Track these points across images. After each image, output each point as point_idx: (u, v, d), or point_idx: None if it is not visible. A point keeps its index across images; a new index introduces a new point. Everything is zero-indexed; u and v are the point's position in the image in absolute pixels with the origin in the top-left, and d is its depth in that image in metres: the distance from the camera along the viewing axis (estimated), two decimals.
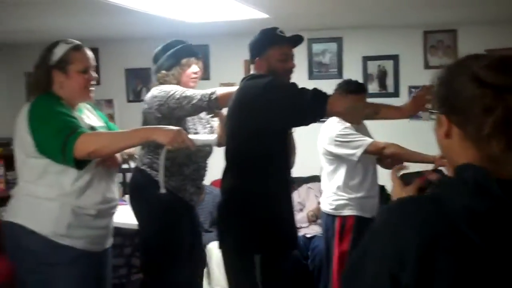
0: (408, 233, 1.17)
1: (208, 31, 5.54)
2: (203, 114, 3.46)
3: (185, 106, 3.12)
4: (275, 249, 2.83)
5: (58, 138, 2.38)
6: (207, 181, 5.13)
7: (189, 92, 3.17)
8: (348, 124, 3.82)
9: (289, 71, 2.90)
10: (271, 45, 2.84)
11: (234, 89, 2.98)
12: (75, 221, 2.51)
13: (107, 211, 2.68)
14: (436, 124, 1.33)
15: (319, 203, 4.49)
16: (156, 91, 3.24)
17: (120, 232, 4.40)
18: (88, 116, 2.72)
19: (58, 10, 4.30)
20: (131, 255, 4.70)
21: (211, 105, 3.13)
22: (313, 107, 2.66)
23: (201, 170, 3.45)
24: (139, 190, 3.39)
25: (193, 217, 3.54)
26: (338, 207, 3.87)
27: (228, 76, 6.04)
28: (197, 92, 3.17)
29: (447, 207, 1.18)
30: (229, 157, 2.91)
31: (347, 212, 3.85)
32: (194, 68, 3.38)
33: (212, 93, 3.11)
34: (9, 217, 2.57)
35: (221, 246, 2.93)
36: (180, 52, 3.34)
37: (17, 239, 2.53)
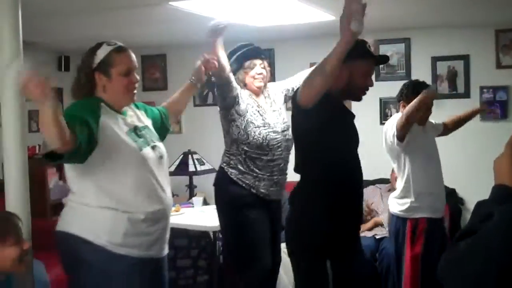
0: None
1: (273, 35, 5.55)
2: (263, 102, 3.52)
3: (216, 93, 3.40)
4: (343, 252, 2.80)
5: None
6: None
7: None
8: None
9: (367, 88, 2.80)
10: (360, 57, 2.69)
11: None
12: (130, 229, 2.44)
13: (162, 214, 2.57)
14: None
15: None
16: None
17: (187, 234, 4.46)
18: (132, 117, 2.64)
19: (127, 17, 4.40)
20: (197, 257, 4.75)
21: (215, 77, 3.31)
22: None
23: (276, 162, 3.43)
24: (218, 189, 3.54)
25: (272, 213, 3.52)
26: (408, 210, 3.78)
27: None
28: None
29: None
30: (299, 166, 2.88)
31: (418, 214, 3.76)
32: (258, 70, 3.46)
33: None
34: (63, 227, 2.52)
35: (291, 251, 2.93)
36: (243, 55, 3.46)
37: (72, 250, 2.48)
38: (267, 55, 3.52)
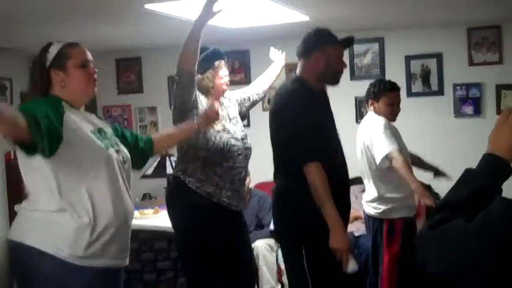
0: None
1: (248, 36, 5.57)
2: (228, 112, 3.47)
3: (175, 93, 3.21)
4: (323, 240, 2.84)
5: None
6: (251, 183, 5.19)
7: None
8: (384, 121, 3.79)
9: (342, 71, 2.99)
10: (330, 43, 2.93)
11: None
12: (93, 239, 2.29)
13: (125, 221, 2.43)
14: None
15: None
16: None
17: (166, 236, 4.45)
18: (94, 119, 2.51)
19: (102, 21, 4.39)
20: (177, 258, 4.74)
21: (179, 74, 3.14)
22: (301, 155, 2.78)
23: (237, 170, 3.33)
24: (174, 199, 3.38)
25: (237, 225, 3.44)
26: (384, 212, 3.84)
27: None
28: None
29: None
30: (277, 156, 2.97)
31: (394, 215, 3.81)
32: (224, 71, 3.41)
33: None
34: (17, 237, 2.33)
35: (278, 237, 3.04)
36: (212, 55, 3.38)
37: (26, 262, 2.31)
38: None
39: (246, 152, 3.40)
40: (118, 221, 2.37)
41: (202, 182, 3.24)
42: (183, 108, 3.20)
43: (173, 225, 3.41)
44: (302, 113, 2.81)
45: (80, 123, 2.36)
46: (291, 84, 2.99)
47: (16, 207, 2.42)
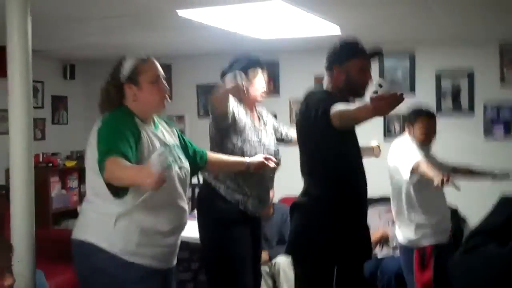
0: None
1: (278, 47, 5.57)
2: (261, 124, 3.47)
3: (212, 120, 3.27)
4: (351, 260, 2.82)
5: (101, 160, 2.30)
6: (275, 198, 5.16)
7: None
8: (415, 143, 3.76)
9: (367, 83, 2.96)
10: (353, 56, 2.90)
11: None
12: (144, 239, 2.48)
13: (178, 229, 2.62)
14: None
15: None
16: None
17: (188, 246, 4.44)
18: (163, 132, 2.68)
19: (134, 26, 4.42)
20: (198, 270, 4.73)
21: (212, 113, 3.24)
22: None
23: (265, 182, 3.39)
24: (204, 203, 3.43)
25: (256, 230, 3.48)
26: (415, 241, 3.79)
27: (298, 92, 6.00)
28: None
29: None
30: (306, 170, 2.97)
31: (425, 242, 3.77)
32: (261, 79, 3.37)
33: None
34: (78, 235, 2.54)
35: (295, 257, 3.00)
36: (246, 63, 3.34)
37: (86, 258, 2.51)
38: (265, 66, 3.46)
39: (276, 167, 3.40)
40: (171, 229, 2.55)
41: (232, 190, 3.29)
42: (219, 126, 3.25)
43: (200, 226, 3.44)
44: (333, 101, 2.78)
45: (151, 143, 2.51)
46: (318, 93, 2.99)
47: (78, 208, 2.59)
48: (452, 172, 3.78)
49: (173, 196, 2.56)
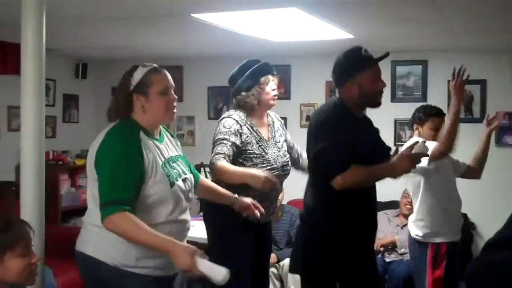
0: None
1: (290, 50, 5.57)
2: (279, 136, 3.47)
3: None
4: (354, 276, 2.80)
5: (104, 193, 2.34)
6: (284, 200, 5.16)
7: (220, 138, 3.24)
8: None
9: (381, 91, 2.90)
10: (362, 69, 2.82)
11: (234, 170, 3.10)
12: (144, 253, 2.42)
13: (179, 236, 2.52)
14: None
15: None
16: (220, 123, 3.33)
17: (196, 246, 4.43)
18: (167, 145, 2.63)
19: (148, 28, 4.43)
20: None
21: (211, 169, 3.22)
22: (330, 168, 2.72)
23: (272, 193, 3.33)
24: (210, 209, 3.41)
25: (261, 236, 3.44)
26: (429, 235, 3.76)
27: (309, 96, 6.04)
28: (222, 142, 3.21)
29: None
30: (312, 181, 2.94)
31: (439, 239, 3.75)
32: (272, 86, 3.36)
33: (213, 164, 3.16)
34: (80, 247, 2.54)
35: (300, 272, 2.97)
36: (257, 71, 3.33)
37: (88, 269, 2.52)
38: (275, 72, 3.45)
39: (282, 179, 3.40)
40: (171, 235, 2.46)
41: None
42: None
43: (207, 229, 3.46)
44: (340, 127, 2.77)
45: (153, 158, 2.46)
46: (332, 102, 2.96)
47: (82, 218, 2.59)
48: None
49: (174, 211, 2.51)
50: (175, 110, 2.59)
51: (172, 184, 2.48)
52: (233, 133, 3.23)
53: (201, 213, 4.92)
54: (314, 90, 5.95)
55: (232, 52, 5.42)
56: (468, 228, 5.27)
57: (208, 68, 6.41)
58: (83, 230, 2.57)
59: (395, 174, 2.81)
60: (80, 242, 2.55)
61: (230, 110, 3.41)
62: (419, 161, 2.81)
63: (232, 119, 3.28)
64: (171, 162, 2.55)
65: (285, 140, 3.56)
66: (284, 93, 6.05)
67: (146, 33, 4.63)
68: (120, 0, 3.48)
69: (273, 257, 4.92)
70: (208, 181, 3.07)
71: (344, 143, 2.71)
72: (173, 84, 2.59)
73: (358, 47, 2.88)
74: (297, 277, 4.81)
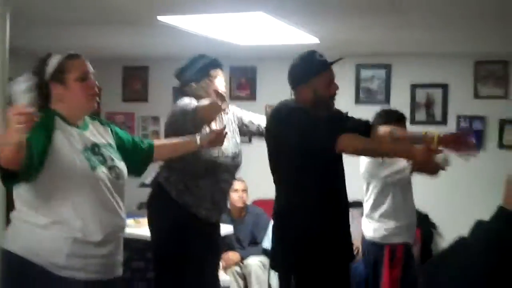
0: None
1: (256, 53, 5.59)
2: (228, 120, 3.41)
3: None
4: (313, 272, 2.82)
5: None
6: (249, 200, 5.18)
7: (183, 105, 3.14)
8: None
9: (334, 94, 2.90)
10: (316, 73, 2.84)
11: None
12: (74, 249, 2.25)
13: (113, 236, 2.37)
14: None
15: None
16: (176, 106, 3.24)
17: (143, 256, 4.41)
18: (93, 133, 2.44)
19: (112, 28, 4.41)
20: (145, 269, 4.64)
21: (188, 118, 3.04)
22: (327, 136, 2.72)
23: (220, 185, 3.27)
24: (154, 207, 3.35)
25: (213, 238, 3.39)
26: (386, 236, 3.81)
27: (274, 98, 6.02)
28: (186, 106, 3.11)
29: None
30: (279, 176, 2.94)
31: (396, 239, 3.79)
32: (221, 80, 3.35)
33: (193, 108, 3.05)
34: (6, 245, 2.31)
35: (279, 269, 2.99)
36: (208, 64, 3.33)
37: (12, 269, 2.30)
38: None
39: (234, 170, 3.35)
40: (103, 237, 2.32)
41: (182, 192, 3.19)
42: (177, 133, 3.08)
43: (150, 230, 3.35)
44: (308, 117, 2.79)
45: (67, 142, 2.30)
46: (290, 102, 2.95)
47: (10, 215, 2.39)
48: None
49: (101, 200, 2.32)
50: (97, 97, 2.41)
51: (93, 169, 2.30)
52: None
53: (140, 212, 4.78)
54: (279, 91, 5.94)
55: (198, 53, 5.41)
56: (429, 227, 5.37)
57: (173, 69, 6.36)
58: (10, 227, 2.39)
59: (409, 157, 2.88)
60: (6, 239, 2.35)
61: (184, 98, 3.27)
62: (430, 169, 2.85)
63: (190, 102, 3.18)
64: (95, 148, 2.38)
65: (243, 125, 3.50)
66: (250, 94, 6.07)
67: (112, 34, 4.61)
68: (85, 3, 3.46)
69: (236, 256, 4.95)
70: (162, 140, 2.97)
71: (320, 120, 2.75)
72: (92, 70, 2.40)
73: (313, 51, 2.90)
74: (262, 276, 4.86)
